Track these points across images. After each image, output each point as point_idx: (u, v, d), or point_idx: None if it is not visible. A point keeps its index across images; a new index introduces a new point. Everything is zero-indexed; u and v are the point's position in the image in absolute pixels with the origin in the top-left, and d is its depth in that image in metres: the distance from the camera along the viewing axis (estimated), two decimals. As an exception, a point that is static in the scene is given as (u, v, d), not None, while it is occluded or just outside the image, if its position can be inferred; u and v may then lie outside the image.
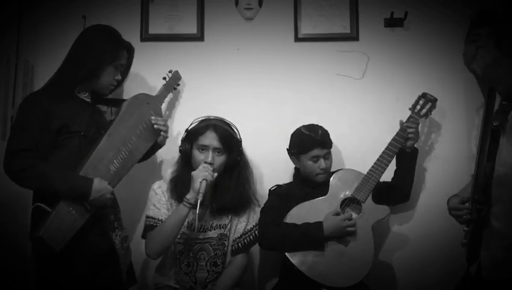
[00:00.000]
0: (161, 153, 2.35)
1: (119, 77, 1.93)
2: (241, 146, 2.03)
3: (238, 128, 2.08)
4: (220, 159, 1.93)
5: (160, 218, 1.93)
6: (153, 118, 1.99)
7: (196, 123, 2.03)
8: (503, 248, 1.54)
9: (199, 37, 2.41)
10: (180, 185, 1.94)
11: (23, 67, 2.34)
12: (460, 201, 1.69)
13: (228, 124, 2.03)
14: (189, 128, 2.03)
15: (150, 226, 1.92)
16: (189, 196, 1.83)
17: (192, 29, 2.42)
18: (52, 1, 2.41)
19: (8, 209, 2.23)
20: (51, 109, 1.74)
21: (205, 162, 1.88)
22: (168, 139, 2.08)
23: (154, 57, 2.39)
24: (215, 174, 1.88)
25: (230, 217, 2.01)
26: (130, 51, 1.98)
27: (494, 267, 1.55)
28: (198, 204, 1.78)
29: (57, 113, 1.75)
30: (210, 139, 1.92)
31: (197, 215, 1.78)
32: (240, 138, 2.05)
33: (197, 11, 2.42)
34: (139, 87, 2.21)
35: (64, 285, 1.72)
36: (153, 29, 2.42)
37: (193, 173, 1.86)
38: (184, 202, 1.84)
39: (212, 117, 2.04)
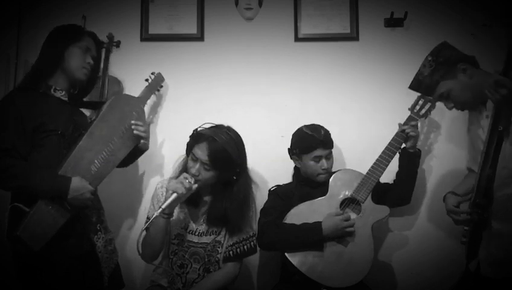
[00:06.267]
0: (160, 153, 2.36)
1: (90, 61, 1.88)
2: (238, 168, 1.91)
3: (242, 149, 1.94)
4: (207, 174, 1.86)
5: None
6: (133, 122, 1.95)
7: (203, 128, 1.94)
8: (502, 247, 1.55)
9: (199, 37, 2.41)
10: None
11: (23, 67, 2.34)
12: (457, 202, 1.69)
13: (231, 141, 1.88)
14: (197, 130, 1.95)
15: (146, 228, 1.89)
16: (164, 206, 1.78)
17: (192, 29, 2.42)
18: (52, 1, 2.41)
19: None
20: (26, 108, 1.72)
21: (188, 173, 1.85)
22: (168, 140, 2.06)
23: (154, 57, 2.40)
24: (195, 186, 1.83)
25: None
26: (96, 39, 1.94)
27: (494, 266, 1.57)
28: (157, 213, 1.75)
29: (33, 111, 1.73)
30: (201, 152, 1.84)
31: (142, 231, 1.76)
32: (240, 160, 1.91)
33: (197, 11, 2.42)
34: (138, 87, 2.20)
35: (42, 286, 1.70)
36: (153, 29, 2.42)
37: (168, 183, 1.85)
38: (160, 212, 1.79)
39: (224, 127, 1.93)
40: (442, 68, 1.75)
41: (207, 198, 1.98)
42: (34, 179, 1.68)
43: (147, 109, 2.20)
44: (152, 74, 2.24)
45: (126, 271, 2.09)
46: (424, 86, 1.81)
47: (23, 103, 1.73)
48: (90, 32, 1.94)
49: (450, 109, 1.82)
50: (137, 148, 1.99)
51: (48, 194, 1.68)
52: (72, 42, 1.84)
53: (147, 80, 2.21)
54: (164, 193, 1.92)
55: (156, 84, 2.25)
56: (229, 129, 1.93)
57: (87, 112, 2.05)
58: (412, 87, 1.87)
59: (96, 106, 2.01)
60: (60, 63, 1.82)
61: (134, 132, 1.93)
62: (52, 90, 1.82)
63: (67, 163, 1.75)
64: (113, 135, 1.90)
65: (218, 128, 1.93)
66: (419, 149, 2.11)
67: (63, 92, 1.85)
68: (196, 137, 1.90)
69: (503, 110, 1.48)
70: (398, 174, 2.12)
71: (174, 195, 1.78)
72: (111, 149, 1.88)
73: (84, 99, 2.01)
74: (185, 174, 1.84)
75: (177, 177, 1.90)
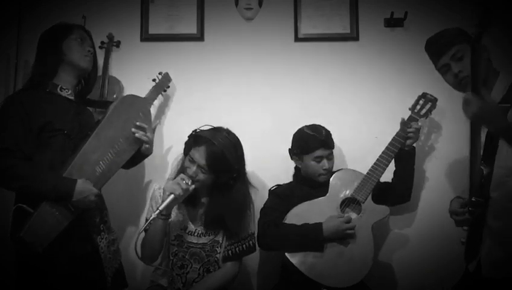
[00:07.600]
0: (162, 154, 2.36)
1: (90, 49, 1.88)
2: (236, 172, 1.90)
3: (241, 153, 1.93)
4: (203, 176, 1.85)
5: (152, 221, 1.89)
6: (138, 123, 1.92)
7: (202, 130, 1.94)
8: (502, 247, 1.55)
9: (199, 37, 2.42)
10: None
11: (23, 67, 2.34)
12: (460, 205, 1.70)
13: (230, 146, 1.87)
14: (196, 131, 1.94)
15: (145, 230, 1.87)
16: (161, 207, 1.77)
17: (192, 29, 2.42)
18: (52, 1, 2.41)
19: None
20: (33, 107, 1.72)
21: (185, 175, 1.84)
22: (168, 141, 2.05)
23: (154, 57, 2.40)
24: (192, 187, 1.83)
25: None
26: (86, 30, 1.93)
27: (494, 266, 1.57)
28: (154, 215, 1.74)
29: (39, 111, 1.72)
30: (199, 155, 1.83)
31: (140, 233, 1.75)
32: (238, 165, 1.90)
33: (197, 11, 2.42)
34: (138, 87, 2.20)
35: (44, 287, 1.69)
36: (153, 29, 2.42)
37: (166, 184, 1.84)
38: (158, 214, 1.78)
39: (223, 129, 1.92)
40: (462, 37, 1.72)
41: (204, 199, 1.97)
42: (37, 180, 1.67)
43: (153, 110, 2.19)
44: (159, 73, 2.23)
45: (130, 271, 2.08)
46: (439, 43, 1.76)
47: (29, 102, 1.73)
48: (78, 25, 1.93)
49: (456, 71, 1.70)
50: (140, 152, 1.96)
51: (52, 196, 1.67)
52: (65, 36, 1.84)
53: (154, 80, 2.20)
54: (162, 194, 1.89)
55: (163, 84, 2.23)
56: (228, 132, 1.92)
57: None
58: (426, 47, 1.84)
59: (100, 105, 1.99)
60: (61, 57, 1.82)
61: (136, 135, 1.91)
62: (58, 90, 1.81)
63: (73, 164, 1.74)
64: (119, 136, 1.88)
65: (217, 131, 1.92)
66: (413, 146, 2.10)
67: (69, 91, 1.84)
68: (195, 139, 1.89)
69: (477, 124, 1.50)
70: (395, 173, 2.13)
71: (172, 196, 1.77)
72: (116, 150, 1.87)
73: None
74: (182, 175, 1.83)
75: (174, 178, 1.89)
